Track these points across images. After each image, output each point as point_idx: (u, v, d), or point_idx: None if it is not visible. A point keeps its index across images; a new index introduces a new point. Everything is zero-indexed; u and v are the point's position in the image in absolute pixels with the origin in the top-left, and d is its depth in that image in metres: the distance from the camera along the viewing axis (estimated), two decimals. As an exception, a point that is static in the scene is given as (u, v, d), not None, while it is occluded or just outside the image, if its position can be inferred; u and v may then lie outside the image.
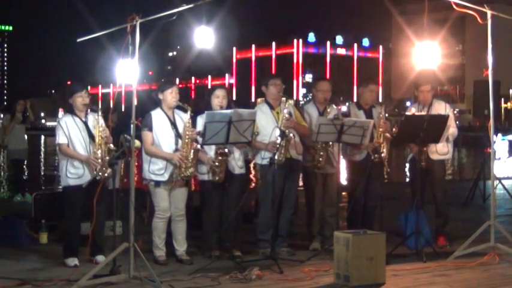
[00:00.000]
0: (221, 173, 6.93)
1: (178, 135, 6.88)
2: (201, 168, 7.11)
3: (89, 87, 7.20)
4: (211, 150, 6.99)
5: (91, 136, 6.78)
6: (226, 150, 6.86)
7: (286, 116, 7.21)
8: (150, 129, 6.87)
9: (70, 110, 6.89)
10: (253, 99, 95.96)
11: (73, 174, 6.76)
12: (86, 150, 6.75)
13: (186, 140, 6.78)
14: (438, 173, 8.02)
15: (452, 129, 7.84)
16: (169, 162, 6.82)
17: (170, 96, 6.93)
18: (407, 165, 8.46)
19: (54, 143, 6.89)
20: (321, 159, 7.51)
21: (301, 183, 8.03)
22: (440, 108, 7.99)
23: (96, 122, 6.73)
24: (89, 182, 6.71)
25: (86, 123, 6.84)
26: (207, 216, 7.19)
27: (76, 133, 6.77)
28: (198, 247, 7.41)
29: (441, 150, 7.92)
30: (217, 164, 6.90)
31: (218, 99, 7.10)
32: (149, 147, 6.87)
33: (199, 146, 6.88)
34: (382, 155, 7.63)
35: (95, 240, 6.79)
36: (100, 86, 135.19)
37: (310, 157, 7.58)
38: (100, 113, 6.73)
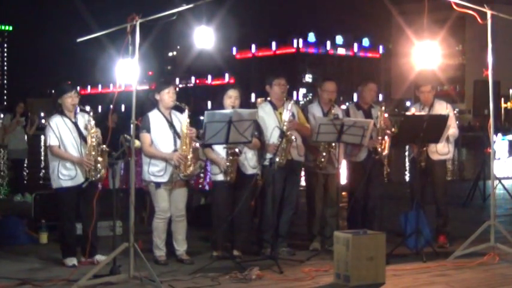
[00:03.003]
0: (232, 173, 6.91)
1: (176, 135, 6.87)
2: (213, 169, 7.11)
3: (78, 88, 7.17)
4: (223, 151, 6.98)
5: (82, 137, 6.78)
6: (237, 150, 6.84)
7: (290, 118, 7.20)
8: (148, 131, 6.86)
9: (59, 111, 6.87)
10: (253, 100, 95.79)
11: (65, 176, 6.74)
12: (78, 151, 6.75)
13: (185, 139, 6.77)
14: (438, 173, 8.02)
15: (452, 130, 7.84)
16: (168, 163, 6.81)
17: (167, 96, 6.92)
18: (407, 164, 8.47)
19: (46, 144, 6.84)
20: (323, 159, 7.51)
21: (302, 183, 8.02)
22: (441, 108, 7.99)
23: (89, 122, 6.74)
24: (87, 182, 6.71)
25: (75, 124, 6.83)
26: (217, 216, 7.14)
27: (67, 134, 6.76)
28: (201, 247, 7.41)
29: (441, 150, 7.92)
30: (228, 164, 6.90)
31: (231, 99, 7.07)
32: (148, 149, 6.86)
33: (198, 145, 6.86)
34: (385, 152, 7.64)
35: (91, 240, 6.78)
36: (100, 85, 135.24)
37: (312, 157, 7.58)
38: (91, 113, 6.74)
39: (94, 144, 6.69)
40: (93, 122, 6.73)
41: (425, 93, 7.99)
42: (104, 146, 6.66)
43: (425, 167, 7.82)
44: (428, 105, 7.99)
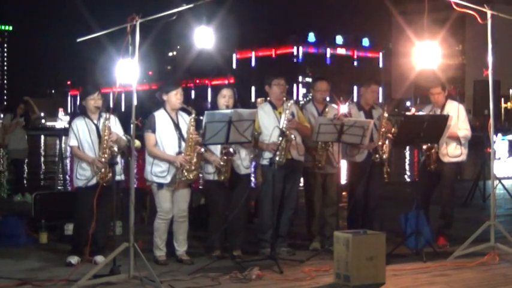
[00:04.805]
0: (226, 172, 6.91)
1: (181, 138, 6.86)
2: (206, 168, 7.10)
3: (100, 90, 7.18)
4: (216, 150, 6.97)
5: (101, 139, 6.79)
6: (231, 149, 6.84)
7: (289, 117, 7.20)
8: (154, 131, 6.85)
9: (83, 112, 6.94)
10: (253, 99, 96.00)
11: (82, 176, 6.81)
12: (95, 152, 6.78)
13: (190, 143, 6.75)
14: (448, 174, 7.90)
15: (465, 132, 7.84)
16: (171, 164, 6.80)
17: (175, 98, 6.91)
18: (407, 164, 8.46)
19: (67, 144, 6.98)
20: (321, 159, 7.51)
21: (301, 183, 8.03)
22: (453, 109, 7.92)
23: (104, 125, 6.74)
24: (94, 183, 6.70)
25: (97, 126, 6.86)
26: (211, 216, 7.15)
27: (85, 135, 6.82)
28: (200, 247, 7.41)
29: (452, 152, 7.85)
30: (222, 163, 6.89)
31: (224, 98, 7.06)
32: (152, 149, 6.84)
33: (203, 150, 6.83)
34: (385, 155, 7.63)
35: (95, 240, 6.79)
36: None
37: (310, 157, 7.58)
38: (107, 115, 6.73)
39: (105, 146, 6.70)
40: (110, 124, 6.73)
41: (435, 95, 7.98)
42: (116, 149, 6.66)
43: (436, 169, 7.80)
44: (440, 106, 7.96)
